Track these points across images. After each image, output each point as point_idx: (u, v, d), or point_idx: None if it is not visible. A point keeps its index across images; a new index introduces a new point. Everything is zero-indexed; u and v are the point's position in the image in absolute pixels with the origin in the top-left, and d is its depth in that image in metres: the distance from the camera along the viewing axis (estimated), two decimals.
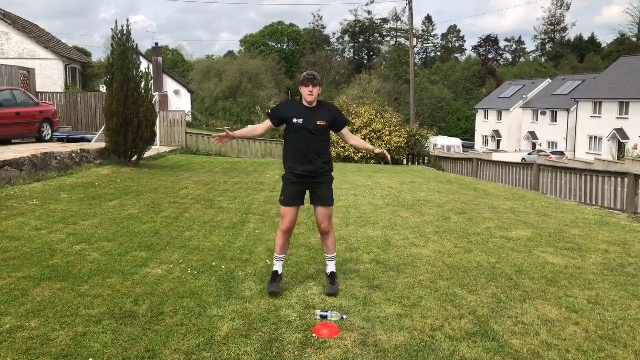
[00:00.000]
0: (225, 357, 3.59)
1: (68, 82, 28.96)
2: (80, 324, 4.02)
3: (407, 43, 64.36)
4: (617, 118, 43.04)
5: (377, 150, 5.07)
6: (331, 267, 4.93)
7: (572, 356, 3.72)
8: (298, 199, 4.77)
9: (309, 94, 4.61)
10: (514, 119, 58.54)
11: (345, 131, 4.92)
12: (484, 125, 64.26)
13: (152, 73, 15.56)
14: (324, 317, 4.21)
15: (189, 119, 38.57)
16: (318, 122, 4.63)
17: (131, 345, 3.69)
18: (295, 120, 4.64)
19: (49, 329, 3.91)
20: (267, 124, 4.88)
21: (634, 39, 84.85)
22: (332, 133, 4.89)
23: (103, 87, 22.77)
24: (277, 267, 4.88)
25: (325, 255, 5.01)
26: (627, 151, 38.68)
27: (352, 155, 22.19)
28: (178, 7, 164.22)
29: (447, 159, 24.81)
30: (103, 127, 15.34)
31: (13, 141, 14.55)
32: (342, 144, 22.16)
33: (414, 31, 42.16)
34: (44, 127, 15.31)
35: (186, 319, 4.18)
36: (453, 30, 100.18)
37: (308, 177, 4.69)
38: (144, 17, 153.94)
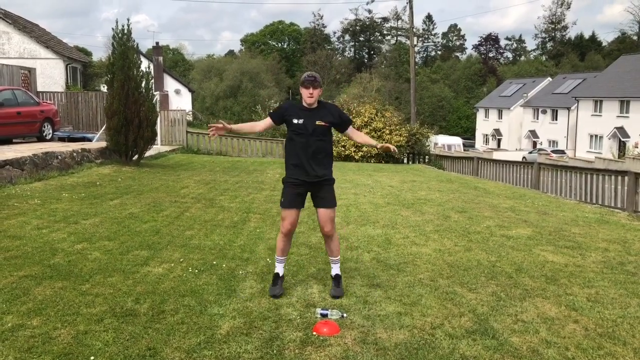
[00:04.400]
0: (225, 355, 3.60)
1: (69, 81, 28.98)
2: (82, 322, 4.03)
3: (408, 42, 64.34)
4: (618, 116, 43.02)
5: (379, 145, 4.94)
6: (335, 270, 4.86)
7: (571, 354, 3.74)
8: (298, 201, 4.72)
9: (309, 96, 4.56)
10: (515, 117, 58.51)
11: (350, 130, 4.89)
12: (484, 124, 64.23)
13: (152, 72, 15.57)
14: (324, 316, 4.23)
15: (189, 118, 38.55)
16: (317, 123, 4.59)
17: (132, 344, 3.71)
18: (295, 121, 4.61)
19: (50, 327, 3.93)
20: (267, 121, 4.84)
21: (635, 38, 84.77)
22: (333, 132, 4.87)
23: (104, 87, 22.78)
24: (279, 269, 4.85)
25: (330, 258, 4.93)
26: (627, 149, 38.63)
27: (353, 154, 22.20)
28: (180, 6, 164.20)
29: (447, 158, 24.81)
30: (104, 127, 15.36)
31: (14, 140, 14.57)
32: (343, 143, 22.18)
33: (415, 30, 42.15)
34: (45, 127, 15.34)
35: (187, 317, 4.19)
36: (453, 29, 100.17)
37: (307, 181, 4.65)
38: (146, 17, 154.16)
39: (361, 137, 5.14)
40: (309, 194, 4.80)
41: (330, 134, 4.80)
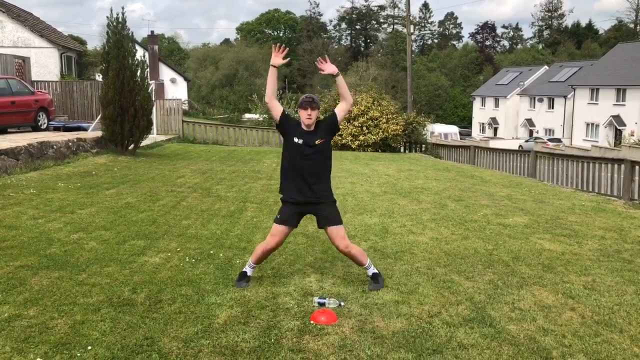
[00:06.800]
0: (223, 344, 3.60)
1: (63, 70, 28.79)
2: (79, 312, 4.03)
3: (404, 30, 64.07)
4: (614, 105, 42.98)
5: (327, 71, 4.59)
6: (371, 271, 4.75)
7: (568, 341, 3.75)
8: (293, 221, 4.67)
9: (308, 118, 4.50)
10: (511, 106, 58.42)
11: (338, 112, 4.65)
12: (481, 113, 64.15)
13: (147, 61, 15.47)
14: (322, 304, 4.23)
15: (185, 107, 38.41)
16: (317, 142, 4.53)
17: (129, 333, 3.70)
18: (295, 140, 4.54)
19: (47, 317, 3.92)
20: (279, 108, 4.66)
21: (631, 25, 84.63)
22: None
23: (99, 76, 22.65)
24: (249, 271, 4.77)
25: (361, 268, 4.83)
26: (623, 138, 38.68)
27: (350, 143, 22.17)
28: None
29: (444, 147, 24.79)
30: (99, 116, 15.29)
31: (9, 130, 14.48)
32: (340, 133, 22.15)
33: (411, 18, 42.00)
34: (39, 116, 15.24)
35: (184, 306, 4.19)
36: (450, 17, 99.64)
37: (307, 202, 4.60)
38: (141, 5, 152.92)
39: (342, 98, 4.70)
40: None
41: (329, 149, 4.70)
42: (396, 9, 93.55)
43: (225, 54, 66.50)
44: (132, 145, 14.24)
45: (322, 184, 4.63)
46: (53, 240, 5.88)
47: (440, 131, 46.41)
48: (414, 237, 6.51)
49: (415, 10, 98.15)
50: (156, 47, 42.16)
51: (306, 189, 4.56)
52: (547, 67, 59.47)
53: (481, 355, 3.52)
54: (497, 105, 61.00)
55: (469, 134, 59.73)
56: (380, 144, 22.73)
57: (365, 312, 4.16)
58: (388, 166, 14.74)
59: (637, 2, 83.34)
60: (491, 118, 61.34)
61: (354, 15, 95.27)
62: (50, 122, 16.07)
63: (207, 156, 15.86)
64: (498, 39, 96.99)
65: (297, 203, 4.62)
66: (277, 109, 4.67)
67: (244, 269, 4.81)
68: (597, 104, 44.90)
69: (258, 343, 3.63)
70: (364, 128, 22.44)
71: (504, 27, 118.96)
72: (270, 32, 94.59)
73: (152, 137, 17.79)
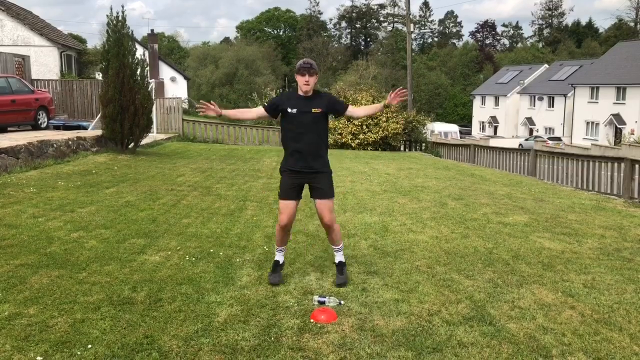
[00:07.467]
0: (223, 342, 3.61)
1: (63, 69, 28.78)
2: (79, 310, 4.03)
3: (404, 29, 63.99)
4: (614, 103, 42.98)
5: (386, 102, 4.67)
6: (339, 257, 4.82)
7: (568, 340, 3.75)
8: (294, 193, 4.66)
9: (305, 84, 4.50)
10: (511, 104, 58.42)
11: (350, 110, 4.76)
12: (481, 111, 64.14)
13: (147, 60, 15.47)
14: (322, 303, 4.23)
15: (185, 106, 38.38)
16: (313, 110, 4.54)
17: (130, 332, 3.71)
18: (289, 110, 4.55)
19: (47, 315, 3.92)
20: (259, 110, 4.79)
21: (632, 24, 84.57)
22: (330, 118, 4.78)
23: (99, 74, 22.64)
24: (278, 256, 4.83)
25: (332, 246, 4.90)
26: (623, 136, 38.70)
27: (349, 142, 22.16)
28: None
29: (444, 145, 24.78)
30: (99, 115, 15.28)
31: (9, 129, 14.49)
32: (339, 131, 22.13)
33: (411, 17, 41.97)
34: (39, 115, 15.24)
35: (184, 305, 4.19)
36: (450, 15, 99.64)
37: (303, 171, 4.60)
38: (141, 4, 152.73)
39: (363, 109, 5.01)
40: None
41: (326, 122, 4.73)
42: (396, 8, 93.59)
43: (225, 53, 66.49)
44: (132, 144, 14.24)
45: (319, 154, 4.63)
46: (53, 239, 5.88)
47: (440, 130, 46.40)
48: (414, 235, 6.51)
49: (415, 9, 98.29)
50: (156, 46, 42.08)
51: (302, 158, 4.57)
52: (547, 66, 59.47)
53: (481, 354, 3.53)
54: (497, 103, 60.99)
55: (469, 133, 59.74)
56: (380, 142, 22.72)
57: (365, 311, 4.16)
58: (388, 165, 14.74)
59: (638, 1, 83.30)
60: (491, 117, 61.34)
61: (354, 14, 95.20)
62: (50, 121, 16.08)
63: (207, 155, 15.86)
64: (498, 38, 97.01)
65: (293, 172, 4.61)
66: (260, 111, 4.77)
67: (275, 258, 4.83)
68: (597, 102, 44.90)
69: (258, 341, 3.63)
70: (364, 127, 22.43)
71: (504, 25, 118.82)
72: (270, 30, 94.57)
73: (152, 136, 17.79)
